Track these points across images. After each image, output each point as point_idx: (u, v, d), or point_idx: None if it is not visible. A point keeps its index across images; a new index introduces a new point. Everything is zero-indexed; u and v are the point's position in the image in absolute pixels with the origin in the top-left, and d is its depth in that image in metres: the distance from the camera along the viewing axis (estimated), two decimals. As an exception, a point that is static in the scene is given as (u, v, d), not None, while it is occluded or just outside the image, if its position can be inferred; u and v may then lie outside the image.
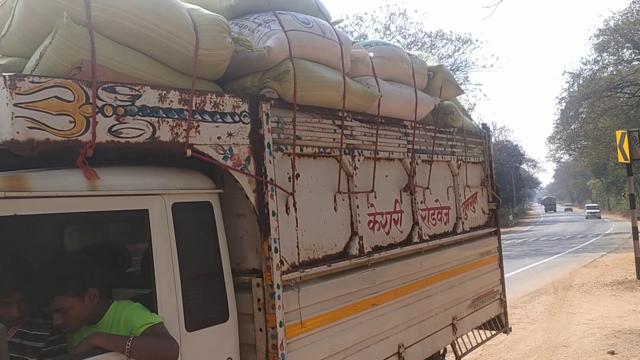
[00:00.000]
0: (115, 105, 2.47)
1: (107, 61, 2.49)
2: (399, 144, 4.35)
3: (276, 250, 3.03)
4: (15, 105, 2.17)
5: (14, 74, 2.22)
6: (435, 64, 4.88)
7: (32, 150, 2.49)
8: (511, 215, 52.29)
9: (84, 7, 2.44)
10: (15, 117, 2.17)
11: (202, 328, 2.74)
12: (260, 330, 3.00)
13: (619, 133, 13.43)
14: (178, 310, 2.64)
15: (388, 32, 26.45)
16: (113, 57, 2.52)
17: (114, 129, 2.47)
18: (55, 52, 2.36)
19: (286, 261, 3.15)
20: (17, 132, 2.18)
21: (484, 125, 5.94)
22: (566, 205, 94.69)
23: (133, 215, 2.62)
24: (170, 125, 2.67)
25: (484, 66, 30.70)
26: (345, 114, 3.71)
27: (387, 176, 4.21)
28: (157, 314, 2.57)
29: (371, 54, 4.07)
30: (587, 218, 55.26)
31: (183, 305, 2.66)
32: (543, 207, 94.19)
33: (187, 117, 2.73)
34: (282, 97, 3.26)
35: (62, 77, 2.34)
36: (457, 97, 5.71)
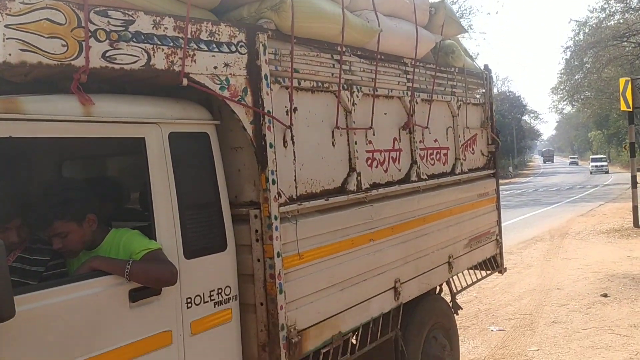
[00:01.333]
0: (108, 30, 2.43)
1: (98, -16, 2.42)
2: (399, 82, 4.30)
3: (274, 182, 3.04)
4: (6, 26, 2.13)
5: (2, -7, 2.17)
6: (437, 0, 4.77)
7: (26, 76, 2.47)
8: (511, 167, 52.40)
9: None
10: (7, 38, 2.14)
11: (201, 256, 2.78)
12: (258, 260, 3.04)
13: (622, 80, 13.29)
14: (176, 238, 2.67)
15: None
16: (105, -21, 2.45)
17: (107, 54, 2.43)
18: (46, -27, 2.29)
19: (284, 194, 3.16)
20: (9, 54, 2.14)
21: (486, 66, 5.85)
22: (571, 158, 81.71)
23: (129, 144, 2.61)
24: (165, 53, 2.62)
25: (489, 13, 29.84)
26: (344, 49, 3.64)
27: (386, 114, 4.18)
28: (155, 241, 2.60)
29: (371, -13, 3.96)
30: (591, 173, 46.45)
31: (181, 233, 2.69)
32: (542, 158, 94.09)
33: (183, 45, 2.68)
34: (279, 29, 3.20)
35: (54, -1, 2.29)
36: (459, 37, 5.59)
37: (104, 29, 2.41)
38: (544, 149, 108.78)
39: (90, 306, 2.28)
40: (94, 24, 2.38)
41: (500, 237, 5.87)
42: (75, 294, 2.24)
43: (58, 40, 2.27)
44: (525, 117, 65.37)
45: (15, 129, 2.13)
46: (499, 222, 5.87)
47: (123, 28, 2.48)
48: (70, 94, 2.37)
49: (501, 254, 5.87)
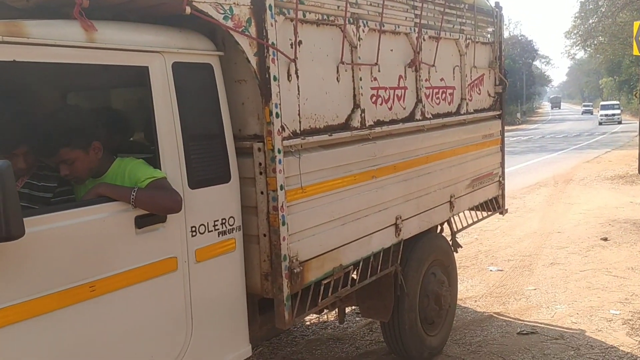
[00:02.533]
0: (110, -47, 2.38)
1: None
2: (406, 17, 4.22)
3: (277, 115, 3.04)
4: (5, -54, 2.10)
5: None
6: None
7: (28, 1, 2.45)
8: (519, 113, 51.85)
9: None
10: (7, -41, 2.11)
11: (205, 187, 2.83)
12: (262, 193, 3.09)
13: (637, 24, 12.94)
14: (181, 168, 2.71)
15: None
16: None
17: (110, -22, 2.39)
18: None
19: (287, 128, 3.17)
20: (10, -24, 2.12)
21: (497, 3, 5.70)
22: (585, 106, 67.96)
23: (132, 72, 2.60)
24: (168, -21, 2.58)
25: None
26: (351, -19, 3.56)
27: (392, 50, 4.12)
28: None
29: None
30: (601, 124, 40.58)
31: (185, 163, 2.73)
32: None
33: (186, -29, 2.63)
34: (284, -43, 3.12)
35: None
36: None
37: (106, -48, 2.37)
38: (551, 96, 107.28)
39: (97, 231, 2.35)
40: (95, -54, 2.33)
41: (503, 179, 5.89)
42: (82, 219, 2.30)
43: (59, -37, 2.24)
44: (536, 62, 64.16)
45: (19, 53, 2.12)
46: (502, 164, 5.88)
47: (125, -48, 2.43)
48: (72, 19, 2.35)
49: (503, 195, 5.91)
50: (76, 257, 2.25)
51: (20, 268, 2.07)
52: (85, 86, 3.49)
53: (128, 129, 3.34)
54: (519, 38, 53.00)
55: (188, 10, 2.67)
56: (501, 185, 5.87)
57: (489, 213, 5.77)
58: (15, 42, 2.10)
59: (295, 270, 3.18)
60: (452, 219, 5.13)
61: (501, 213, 5.95)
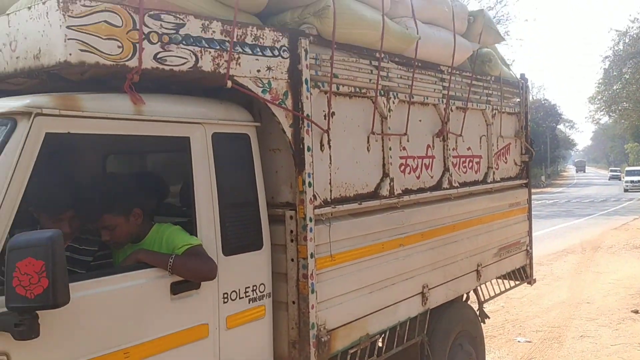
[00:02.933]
0: (160, 33, 2.54)
1: (153, -11, 2.54)
2: (435, 89, 4.34)
3: (310, 184, 3.12)
4: (68, 27, 2.26)
5: (65, -3, 2.29)
6: (477, 9, 4.79)
7: (82, 75, 2.61)
8: (543, 176, 51.49)
9: None
10: (68, 39, 2.26)
11: (238, 254, 2.88)
12: (292, 260, 3.13)
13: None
14: (216, 235, 2.77)
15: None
16: (159, -16, 2.57)
17: (159, 56, 2.54)
18: (105, -22, 2.42)
19: (319, 196, 3.24)
20: (70, 54, 2.27)
21: (522, 75, 5.83)
22: (612, 171, 65.11)
23: (175, 142, 2.72)
24: (212, 56, 2.73)
25: (526, 20, 29.18)
26: (383, 55, 3.71)
27: (420, 120, 4.23)
28: (196, 237, 2.71)
29: (411, -5, 4.02)
30: (626, 191, 38.52)
31: (220, 230, 2.79)
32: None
33: (229, 48, 2.78)
34: (321, 34, 3.28)
35: (111, 2, 2.41)
36: (497, 45, 5.60)
37: (157, 32, 2.53)
38: (576, 160, 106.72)
39: (134, 297, 2.40)
40: (147, 26, 2.50)
41: (531, 248, 5.84)
42: (121, 285, 2.36)
43: (114, 42, 2.39)
44: (560, 126, 64.18)
45: (73, 125, 2.26)
46: (529, 233, 5.84)
47: (174, 31, 2.59)
48: (122, 92, 2.50)
49: (531, 264, 5.85)
50: (113, 323, 2.30)
51: (60, 334, 2.12)
52: (129, 152, 3.64)
53: (166, 193, 3.44)
54: (543, 102, 53.30)
55: (229, 84, 2.82)
56: (529, 254, 5.81)
57: (517, 282, 5.69)
58: (72, 115, 2.24)
59: (322, 339, 3.17)
60: (479, 288, 5.08)
61: (529, 283, 5.87)
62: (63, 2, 2.25)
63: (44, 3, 2.31)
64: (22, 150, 2.07)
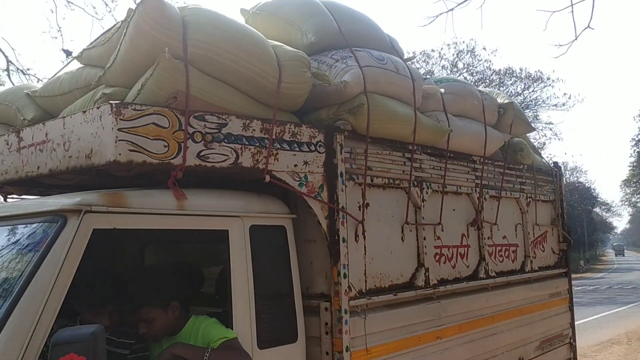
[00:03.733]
0: (204, 132, 2.69)
1: (198, 92, 2.72)
2: (467, 179, 4.38)
3: (345, 275, 3.12)
4: (119, 129, 2.42)
5: (119, 102, 2.48)
6: (506, 100, 4.91)
7: (129, 171, 2.75)
8: (582, 261, 49.76)
9: (182, 43, 2.69)
10: (119, 140, 2.41)
11: (273, 347, 2.85)
12: (327, 353, 3.07)
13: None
14: (251, 327, 2.77)
15: (455, 69, 26.40)
16: (204, 88, 2.75)
17: (202, 154, 2.68)
18: (155, 83, 2.61)
19: (354, 287, 3.23)
20: (119, 154, 2.41)
21: (555, 163, 5.86)
22: None
23: (214, 235, 2.80)
24: (251, 152, 2.86)
25: (555, 105, 29.52)
26: (415, 147, 3.80)
27: (454, 210, 4.24)
28: (232, 329, 2.71)
29: (442, 90, 4.17)
30: None
31: (256, 323, 2.79)
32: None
33: (268, 145, 2.91)
34: (355, 129, 3.40)
35: (160, 106, 2.58)
36: (528, 135, 5.67)
37: (201, 131, 2.68)
38: (614, 244, 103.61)
39: (169, 392, 2.38)
40: (192, 127, 2.65)
41: (574, 341, 5.60)
42: (158, 379, 2.35)
43: (161, 142, 2.54)
44: (597, 209, 62.85)
45: (119, 221, 2.36)
46: (572, 324, 5.62)
47: (217, 130, 2.74)
48: (165, 187, 2.61)
49: (575, 358, 5.58)
50: (148, 420, 2.27)
51: None
52: (169, 245, 3.72)
53: (202, 283, 3.48)
54: (577, 185, 52.61)
55: (268, 178, 2.92)
56: (572, 347, 5.56)
57: (561, 378, 5.40)
58: (118, 212, 2.35)
59: None
60: (521, 383, 4.84)
61: (574, 378, 5.57)
62: (116, 107, 2.42)
63: (98, 107, 2.49)
64: (70, 246, 2.16)
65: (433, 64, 26.34)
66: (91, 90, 3.06)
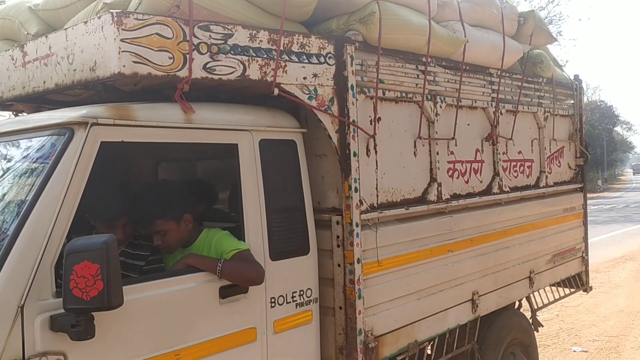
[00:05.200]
0: (209, 43, 2.61)
1: (202, 0, 2.61)
2: (483, 92, 4.26)
3: (356, 190, 3.12)
4: (122, 40, 2.35)
5: (120, 11, 2.39)
6: (527, 9, 4.68)
7: (135, 85, 2.71)
8: (600, 180, 49.55)
9: (183, -52, 2.56)
10: (122, 51, 2.35)
11: (285, 259, 2.91)
12: (339, 265, 3.14)
13: None
14: (263, 240, 2.81)
15: (476, -17, 25.22)
16: (208, -4, 2.63)
17: (208, 65, 2.61)
18: (157, -9, 2.50)
19: (365, 201, 3.24)
20: (124, 66, 2.35)
21: (576, 76, 5.65)
22: None
23: (223, 149, 2.78)
24: (259, 64, 2.78)
25: (580, 19, 28.16)
26: (429, 59, 3.68)
27: (469, 124, 4.16)
28: (244, 242, 2.75)
29: (459, -2, 3.97)
30: None
31: (268, 236, 2.83)
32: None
33: (275, 57, 2.83)
34: (366, 40, 3.28)
35: (163, 15, 2.49)
36: (549, 46, 5.45)
37: (206, 42, 2.60)
38: (633, 163, 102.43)
39: (185, 300, 2.46)
40: (197, 37, 2.57)
41: (587, 254, 5.64)
42: (172, 288, 2.43)
43: (165, 53, 2.47)
44: (617, 128, 61.72)
45: (127, 134, 2.35)
46: (585, 239, 5.64)
47: (222, 41, 2.66)
48: (173, 101, 2.57)
49: (587, 271, 5.64)
50: (164, 325, 2.36)
51: (115, 336, 2.20)
52: (179, 160, 3.74)
53: (214, 199, 3.52)
54: (598, 104, 51.43)
55: (276, 91, 2.86)
56: (584, 261, 5.61)
57: (572, 290, 5.51)
58: (125, 125, 2.33)
59: (370, 345, 3.16)
60: (531, 295, 4.94)
61: (585, 291, 5.67)
62: (117, 16, 2.34)
63: (99, 17, 2.41)
64: (79, 158, 2.16)
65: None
66: (93, 1, 2.96)
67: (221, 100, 3.02)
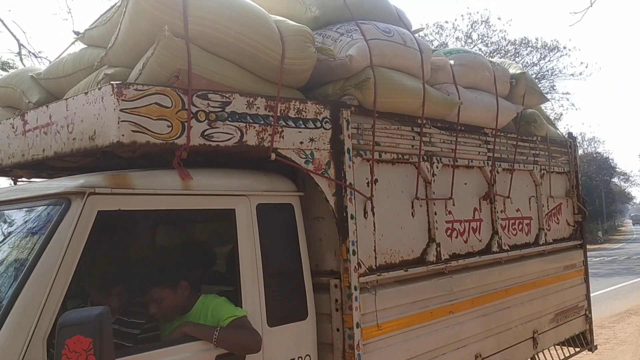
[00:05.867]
0: (207, 111, 2.66)
1: (201, 70, 2.68)
2: (479, 152, 4.32)
3: (354, 252, 3.10)
4: (121, 110, 2.39)
5: (120, 82, 2.45)
6: (518, 71, 4.80)
7: (134, 152, 2.73)
8: (600, 232, 49.30)
9: (182, 21, 2.65)
10: (121, 121, 2.39)
11: (283, 324, 2.86)
12: (338, 330, 3.08)
13: None
14: (261, 305, 2.77)
15: (470, 41, 25.91)
16: (206, 66, 2.71)
17: (206, 133, 2.65)
18: (157, 62, 2.57)
19: (363, 264, 3.22)
20: (122, 135, 2.39)
21: (570, 134, 5.74)
22: None
23: (221, 214, 2.79)
24: (256, 130, 2.82)
25: (572, 74, 28.82)
26: (425, 121, 3.74)
27: (466, 184, 4.19)
28: (241, 308, 2.71)
29: (452, 62, 4.08)
30: None
31: (265, 301, 2.79)
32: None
33: (272, 123, 2.87)
34: (362, 104, 3.35)
35: (162, 85, 2.55)
36: (542, 106, 5.56)
37: (204, 110, 2.65)
38: (632, 214, 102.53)
39: (180, 371, 2.40)
40: (195, 106, 2.62)
41: (590, 312, 5.56)
42: (168, 358, 2.37)
43: (164, 122, 2.51)
44: (615, 179, 62.00)
45: (124, 203, 2.35)
46: (587, 296, 5.58)
47: (220, 109, 2.71)
48: (171, 168, 2.60)
49: (591, 330, 5.55)
50: (160, 397, 2.30)
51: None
52: (176, 225, 3.73)
53: (211, 264, 3.49)
54: (594, 155, 51.84)
55: (273, 156, 2.89)
56: (588, 319, 5.52)
57: (577, 350, 5.39)
58: (122, 193, 2.34)
59: (371, 412, 3.06)
60: (536, 356, 4.83)
61: (590, 350, 5.55)
62: (117, 87, 2.40)
63: (99, 88, 2.47)
64: (75, 228, 2.16)
65: (447, 35, 25.85)
66: (94, 71, 3.04)
67: (219, 162, 3.05)
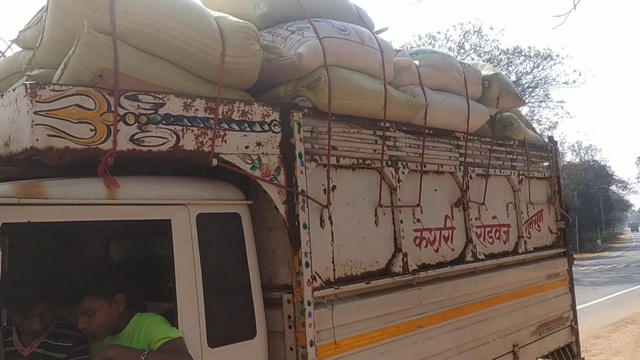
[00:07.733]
0: (137, 114, 2.46)
1: (130, 69, 2.48)
2: (450, 157, 4.11)
3: (307, 264, 2.89)
4: (35, 113, 2.19)
5: (35, 82, 2.25)
6: (491, 72, 4.62)
7: (59, 160, 2.52)
8: (599, 240, 49.04)
9: (109, 15, 2.45)
10: (35, 124, 2.19)
11: (226, 344, 2.64)
12: (291, 349, 2.86)
13: None
14: (200, 325, 2.56)
15: (462, 51, 25.86)
16: (136, 65, 2.51)
17: (135, 137, 2.45)
18: (79, 61, 2.38)
19: (319, 277, 3.00)
20: (37, 140, 2.19)
21: (550, 138, 5.55)
22: None
23: (154, 225, 2.57)
24: (195, 134, 2.62)
25: (566, 82, 28.72)
26: (388, 124, 3.54)
27: (436, 190, 3.98)
28: (177, 328, 2.49)
29: (417, 62, 3.89)
30: None
31: (206, 319, 2.58)
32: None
33: (213, 126, 2.67)
34: (316, 106, 3.16)
35: (84, 86, 2.35)
36: (520, 109, 5.37)
37: (134, 113, 2.45)
38: (631, 222, 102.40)
39: (101, 399, 2.17)
40: (123, 108, 2.42)
41: (576, 323, 5.32)
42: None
43: (86, 125, 2.31)
44: (613, 187, 61.79)
45: (35, 214, 2.14)
46: (573, 306, 5.35)
47: (153, 111, 2.50)
48: (97, 176, 2.39)
49: (577, 342, 5.31)
50: None
51: None
52: (106, 237, 3.46)
53: (145, 279, 3.24)
54: (591, 163, 51.68)
55: (215, 162, 2.68)
56: (574, 330, 5.29)
57: (562, 363, 5.15)
58: (32, 204, 2.13)
59: None
60: (517, 371, 4.59)
61: (576, 363, 5.31)
62: (31, 88, 2.20)
63: (14, 90, 2.28)
64: (-26, 242, 1.95)
65: (439, 46, 25.76)
66: (25, 74, 2.84)
67: (166, 173, 2.84)
